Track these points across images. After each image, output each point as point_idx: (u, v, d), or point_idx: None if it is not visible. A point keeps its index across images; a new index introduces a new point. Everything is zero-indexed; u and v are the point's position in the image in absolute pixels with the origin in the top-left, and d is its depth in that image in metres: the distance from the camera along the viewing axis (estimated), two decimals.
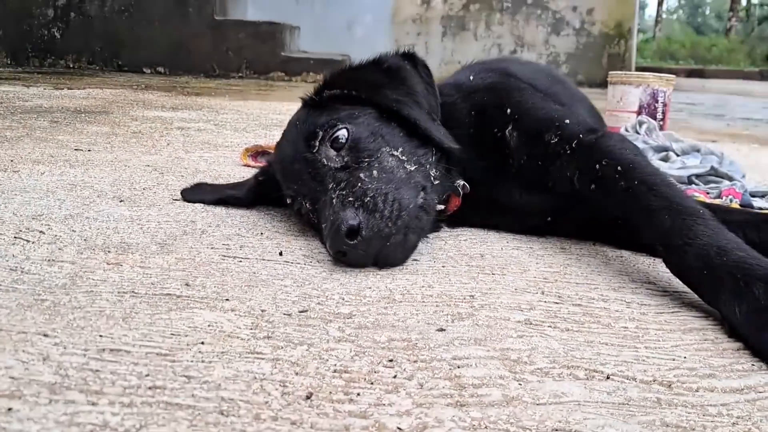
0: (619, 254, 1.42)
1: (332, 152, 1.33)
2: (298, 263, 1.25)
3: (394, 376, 0.84)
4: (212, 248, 1.30)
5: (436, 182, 1.38)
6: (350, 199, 1.20)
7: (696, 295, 1.13)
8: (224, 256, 1.26)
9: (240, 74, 7.82)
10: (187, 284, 1.11)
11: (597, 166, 1.30)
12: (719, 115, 6.11)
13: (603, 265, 1.34)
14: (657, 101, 3.29)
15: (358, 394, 0.79)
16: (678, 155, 2.64)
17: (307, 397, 0.78)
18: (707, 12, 51.60)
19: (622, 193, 1.25)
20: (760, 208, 1.88)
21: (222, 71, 7.78)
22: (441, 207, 1.41)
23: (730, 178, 2.09)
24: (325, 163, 1.32)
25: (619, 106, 3.34)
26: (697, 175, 2.13)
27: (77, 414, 0.71)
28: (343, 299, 1.08)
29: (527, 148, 1.42)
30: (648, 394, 0.83)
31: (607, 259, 1.38)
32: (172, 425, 0.70)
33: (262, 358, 0.86)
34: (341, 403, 0.77)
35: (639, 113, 3.28)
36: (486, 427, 0.74)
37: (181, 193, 1.66)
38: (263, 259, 1.26)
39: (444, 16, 9.48)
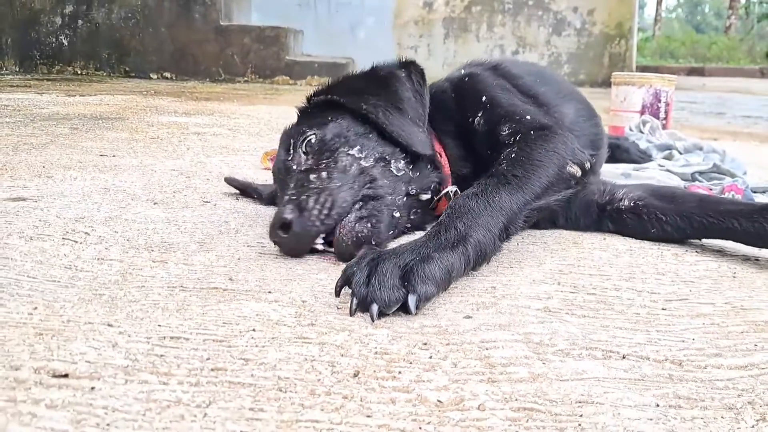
0: (628, 247, 1.50)
1: (302, 157, 1.46)
2: (330, 260, 1.33)
3: (430, 357, 0.92)
4: (248, 246, 1.39)
5: (400, 173, 1.46)
6: (293, 197, 1.32)
7: (703, 285, 1.21)
8: (260, 253, 1.35)
9: (245, 79, 7.92)
10: (230, 279, 1.19)
11: None
12: (720, 114, 6.20)
13: (614, 257, 1.43)
14: (659, 101, 3.37)
15: (400, 372, 0.88)
16: (681, 153, 2.72)
17: (355, 375, 0.86)
18: (706, 10, 51.66)
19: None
20: None
21: (228, 76, 7.88)
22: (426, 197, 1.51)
23: (732, 175, 2.18)
24: (295, 168, 1.45)
25: (623, 106, 3.43)
26: (701, 173, 2.21)
27: (152, 392, 0.80)
28: None
29: (487, 137, 1.53)
30: (661, 371, 0.91)
31: (617, 252, 1.47)
32: (237, 401, 0.79)
33: (310, 342, 0.95)
34: (385, 380, 0.85)
35: (642, 113, 3.37)
36: (516, 400, 0.82)
37: (225, 179, 1.86)
38: (297, 257, 1.35)
39: (446, 18, 9.57)
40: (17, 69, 7.82)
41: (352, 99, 1.54)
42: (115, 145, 2.65)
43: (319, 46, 9.31)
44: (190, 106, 4.59)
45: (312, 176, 1.37)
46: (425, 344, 0.97)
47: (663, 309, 1.14)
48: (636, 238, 1.56)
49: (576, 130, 1.67)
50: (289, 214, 1.28)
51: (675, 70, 15.76)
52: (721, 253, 1.49)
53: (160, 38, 7.82)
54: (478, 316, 1.08)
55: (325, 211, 1.31)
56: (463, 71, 1.75)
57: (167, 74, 7.88)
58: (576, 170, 1.44)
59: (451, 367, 0.90)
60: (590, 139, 1.74)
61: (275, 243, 1.33)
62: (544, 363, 0.92)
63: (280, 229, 1.28)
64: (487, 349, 0.96)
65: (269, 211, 1.69)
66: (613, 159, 2.51)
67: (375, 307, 1.02)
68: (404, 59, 1.68)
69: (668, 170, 2.26)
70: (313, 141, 1.46)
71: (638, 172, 2.16)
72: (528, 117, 1.52)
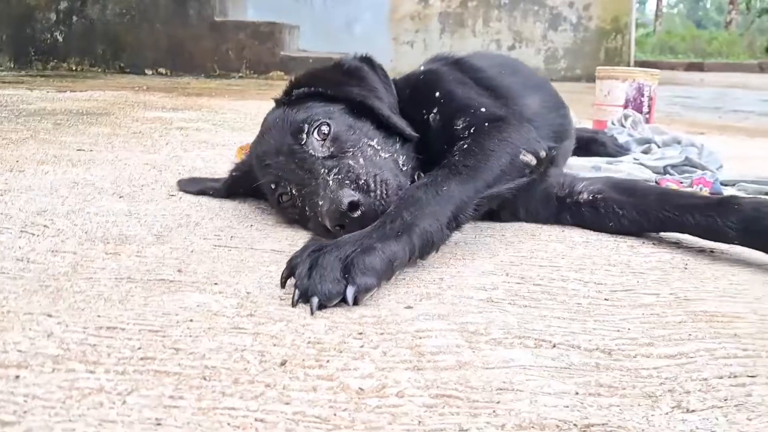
0: (585, 239, 1.51)
1: (317, 144, 1.44)
2: (284, 251, 1.34)
3: (362, 346, 0.94)
4: (205, 239, 1.40)
5: (404, 168, 1.48)
6: (346, 181, 1.31)
7: (651, 276, 1.22)
8: (215, 245, 1.37)
9: (240, 74, 7.92)
10: (179, 270, 1.21)
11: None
12: (714, 108, 6.18)
13: (569, 249, 1.44)
14: (643, 95, 3.37)
15: (328, 361, 0.89)
16: (659, 147, 2.73)
17: (282, 364, 0.87)
18: (708, 5, 51.51)
19: None
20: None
21: (222, 71, 7.88)
22: None
23: (704, 168, 2.18)
24: (312, 153, 1.43)
25: (607, 100, 3.43)
26: (673, 166, 2.22)
27: (77, 380, 0.81)
28: None
29: (442, 132, 1.54)
30: (589, 359, 0.93)
31: (573, 243, 1.48)
32: (159, 389, 0.80)
33: (245, 333, 0.96)
34: (311, 369, 0.87)
35: (625, 107, 3.36)
36: (438, 387, 0.83)
37: (178, 182, 1.82)
38: (251, 248, 1.36)
39: (442, 13, 9.57)
40: (12, 65, 7.83)
41: (339, 90, 1.56)
42: (95, 140, 2.67)
43: (315, 42, 9.30)
44: (180, 101, 4.60)
45: (350, 162, 1.37)
46: (360, 334, 0.98)
47: (606, 299, 1.15)
48: (595, 231, 1.57)
49: (537, 121, 1.67)
50: (352, 196, 1.26)
51: (674, 65, 15.74)
52: (677, 244, 1.50)
53: (155, 34, 7.83)
54: (419, 306, 1.09)
55: (385, 193, 1.31)
56: (422, 67, 1.76)
57: (162, 70, 7.88)
58: (530, 159, 1.44)
59: (381, 356, 0.91)
60: (553, 130, 1.74)
61: (334, 228, 1.28)
62: (473, 351, 0.93)
63: (349, 209, 1.25)
64: (420, 338, 0.97)
65: (232, 204, 1.70)
66: (589, 152, 2.51)
67: (315, 300, 1.03)
68: (362, 54, 1.69)
69: (641, 164, 2.26)
70: (326, 130, 1.45)
71: (610, 166, 2.17)
72: (483, 109, 1.53)
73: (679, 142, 2.75)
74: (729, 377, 0.89)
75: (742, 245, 1.37)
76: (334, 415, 0.76)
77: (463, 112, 1.54)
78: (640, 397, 0.83)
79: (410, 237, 1.17)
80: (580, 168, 2.11)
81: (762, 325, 1.06)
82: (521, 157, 1.43)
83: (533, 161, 1.45)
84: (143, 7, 7.78)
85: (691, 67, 15.33)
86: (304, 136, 1.45)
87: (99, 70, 7.90)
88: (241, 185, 1.69)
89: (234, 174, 1.71)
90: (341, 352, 0.92)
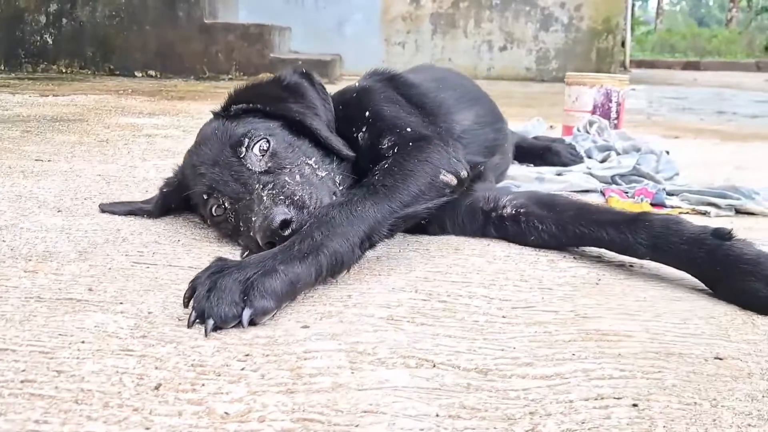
0: (507, 253, 1.53)
1: (256, 159, 1.46)
2: (201, 268, 1.37)
3: (242, 369, 0.96)
4: (126, 255, 1.43)
5: (341, 187, 1.51)
6: (281, 197, 1.33)
7: (559, 292, 1.25)
8: (135, 262, 1.39)
9: (230, 76, 7.95)
10: (90, 289, 1.23)
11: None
12: (699, 110, 6.18)
13: (487, 264, 1.46)
14: (611, 101, 3.39)
15: (203, 385, 0.91)
16: (619, 154, 2.75)
17: (156, 388, 0.90)
18: (710, 3, 51.36)
19: None
20: (672, 206, 1.99)
21: (212, 74, 7.91)
22: None
23: (652, 178, 2.20)
24: (250, 167, 1.45)
25: (575, 106, 3.45)
26: (621, 175, 2.24)
27: None
28: None
29: (369, 152, 1.56)
30: (461, 380, 0.95)
31: (494, 258, 1.50)
32: (27, 413, 0.83)
33: (131, 355, 0.99)
34: (184, 393, 0.89)
35: (593, 112, 3.38)
36: (303, 410, 0.86)
37: (99, 205, 1.78)
38: (170, 265, 1.38)
39: (433, 14, 9.59)
40: (2, 67, 7.87)
41: (277, 106, 1.58)
42: (58, 149, 2.69)
43: (306, 43, 9.35)
44: (160, 105, 4.63)
45: (285, 178, 1.40)
46: (246, 356, 1.00)
47: (503, 317, 1.17)
48: (519, 244, 1.59)
49: (466, 138, 1.70)
50: (285, 214, 1.28)
51: (671, 64, 15.73)
52: (598, 259, 1.52)
53: (144, 36, 7.86)
54: (316, 326, 1.11)
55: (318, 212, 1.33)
56: (357, 84, 1.78)
57: (152, 72, 7.91)
58: (450, 179, 1.47)
59: (258, 379, 0.93)
60: (485, 145, 1.77)
61: (267, 245, 1.29)
62: (353, 372, 0.96)
63: (281, 227, 1.27)
64: (305, 359, 1.00)
65: (166, 220, 1.72)
66: (545, 161, 2.53)
67: (210, 323, 1.06)
68: (302, 70, 1.71)
69: (591, 173, 2.28)
70: (265, 146, 1.48)
71: (554, 176, 2.19)
72: (408, 129, 1.55)
73: (638, 150, 2.78)
74: (595, 399, 0.91)
75: (654, 261, 1.40)
76: None
77: (389, 131, 1.56)
78: (498, 419, 0.85)
79: (317, 258, 1.20)
80: (524, 178, 2.13)
81: (649, 345, 1.08)
82: (441, 177, 1.45)
83: (453, 181, 1.48)
84: (132, 9, 7.81)
85: (688, 66, 15.32)
86: (243, 149, 1.47)
87: (89, 72, 7.93)
88: (172, 200, 1.70)
89: (164, 190, 1.71)
90: (219, 375, 0.94)
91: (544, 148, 2.56)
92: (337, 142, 1.56)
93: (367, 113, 1.62)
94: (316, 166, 1.49)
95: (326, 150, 1.55)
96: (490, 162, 1.76)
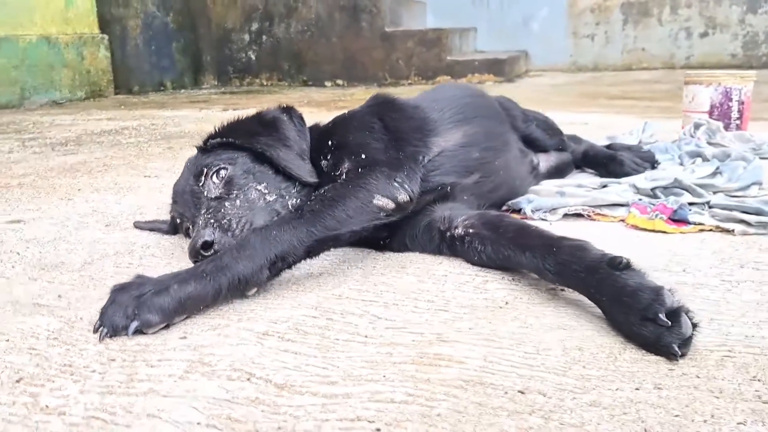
0: (447, 272, 1.57)
1: (212, 186, 1.67)
2: None
3: (93, 371, 1.16)
4: (118, 267, 1.71)
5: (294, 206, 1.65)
6: (212, 220, 1.54)
7: (451, 315, 1.30)
8: (118, 273, 1.66)
9: (409, 81, 8.26)
10: (59, 296, 1.52)
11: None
12: None
13: (417, 283, 1.51)
14: (730, 100, 3.12)
15: (52, 381, 1.13)
16: (708, 160, 2.56)
17: (18, 381, 1.14)
18: None
19: None
20: (695, 223, 1.86)
21: (393, 80, 8.28)
22: None
23: (695, 192, 2.05)
24: (205, 194, 1.66)
25: (691, 106, 3.22)
26: (664, 188, 2.11)
27: None
28: None
29: (329, 178, 1.67)
30: (255, 393, 1.07)
31: (430, 277, 1.55)
32: None
33: (30, 353, 1.24)
34: (33, 386, 1.12)
35: (711, 113, 3.14)
36: (100, 410, 1.04)
37: (134, 223, 2.09)
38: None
39: (624, 3, 9.10)
40: (215, 83, 8.92)
41: (248, 140, 1.77)
42: (178, 164, 3.11)
43: (492, 42, 9.42)
44: (324, 115, 5.01)
45: (227, 204, 1.60)
46: (111, 360, 1.20)
47: (366, 336, 1.25)
48: (470, 264, 1.62)
49: (440, 160, 1.75)
50: (209, 236, 1.48)
51: None
52: (536, 281, 1.50)
53: (331, 48, 8.44)
54: (193, 337, 1.28)
55: (246, 233, 1.52)
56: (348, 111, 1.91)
57: (339, 81, 8.48)
58: (384, 203, 1.55)
59: (97, 380, 1.13)
60: (463, 164, 1.79)
61: (194, 262, 1.46)
62: (176, 381, 1.12)
63: (202, 248, 1.46)
64: (150, 366, 1.18)
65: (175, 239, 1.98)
66: (606, 171, 2.44)
67: (104, 330, 1.28)
68: (284, 105, 1.88)
69: (635, 185, 2.17)
70: (223, 173, 1.68)
71: (575, 189, 2.11)
72: (363, 156, 1.65)
73: (728, 156, 2.56)
74: (350, 420, 0.99)
75: (562, 286, 1.37)
76: None
77: (347, 157, 1.68)
78: None
79: (217, 279, 1.36)
80: (546, 192, 2.10)
81: (467, 372, 1.10)
82: (374, 201, 1.54)
83: (389, 205, 1.56)
84: (321, 23, 8.42)
85: None
86: (203, 178, 1.68)
87: (285, 84, 8.70)
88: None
89: (172, 215, 1.92)
90: (72, 374, 1.15)
91: (608, 157, 2.46)
92: (299, 169, 1.70)
93: (332, 141, 1.75)
94: (266, 192, 1.64)
95: (290, 177, 1.70)
96: (464, 182, 1.79)
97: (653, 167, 2.50)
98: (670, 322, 1.13)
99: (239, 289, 1.40)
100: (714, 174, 2.36)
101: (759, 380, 1.06)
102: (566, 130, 3.79)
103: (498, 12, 9.57)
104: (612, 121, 4.14)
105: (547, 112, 4.94)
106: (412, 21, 9.02)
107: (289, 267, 1.47)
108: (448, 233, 1.64)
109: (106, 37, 7.37)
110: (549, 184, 2.17)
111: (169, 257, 1.78)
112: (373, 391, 1.06)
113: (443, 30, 8.24)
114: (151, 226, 2.03)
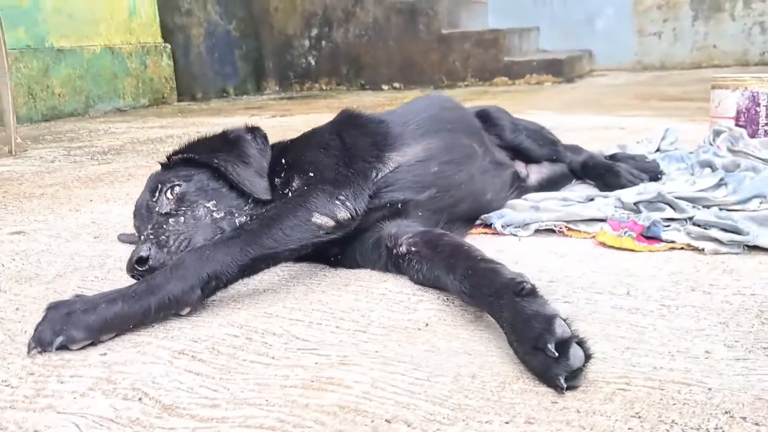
0: (385, 291, 1.57)
1: (165, 202, 1.72)
2: None
3: (8, 385, 1.23)
4: (84, 280, 1.79)
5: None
6: (152, 236, 1.59)
7: (364, 337, 1.31)
8: (81, 287, 1.74)
9: (466, 83, 8.22)
10: (17, 309, 1.61)
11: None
12: None
13: (351, 302, 1.52)
14: (758, 105, 2.97)
15: None
16: (717, 169, 2.46)
17: None
18: None
19: None
20: (667, 241, 1.79)
21: (449, 82, 8.25)
22: None
23: (675, 207, 1.96)
24: (157, 209, 1.71)
25: (717, 111, 3.09)
26: (650, 201, 2.03)
27: None
28: None
29: (281, 195, 1.70)
30: (138, 413, 1.11)
31: (366, 296, 1.55)
32: None
33: None
34: None
35: (737, 119, 3.00)
36: None
37: (118, 236, 2.15)
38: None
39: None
40: (277, 88, 9.11)
41: (207, 156, 1.82)
42: None
43: (555, 41, 9.24)
44: None
45: (171, 220, 1.66)
46: (30, 374, 1.27)
47: (273, 357, 1.28)
48: (414, 283, 1.61)
49: (396, 175, 1.76)
50: (145, 251, 1.55)
51: None
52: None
53: (389, 51, 8.48)
54: (111, 354, 1.33)
55: (183, 249, 1.60)
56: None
57: (396, 84, 8.51)
58: (324, 221, 1.57)
59: (6, 394, 1.20)
60: (419, 179, 1.79)
61: (132, 277, 1.56)
62: (75, 398, 1.18)
63: (137, 263, 1.56)
64: (60, 381, 1.23)
65: None
66: (603, 182, 2.37)
67: (31, 344, 1.34)
68: (249, 125, 1.92)
69: (620, 198, 2.10)
70: (177, 190, 1.74)
71: (550, 205, 2.05)
72: (311, 174, 1.68)
73: (738, 165, 2.44)
74: None
75: (480, 310, 1.36)
76: None
77: (298, 175, 1.71)
78: None
79: (146, 299, 1.40)
80: (521, 207, 2.05)
81: (348, 398, 1.11)
82: (313, 219, 1.56)
83: (329, 223, 1.57)
84: (378, 27, 8.48)
85: None
86: (157, 194, 1.74)
87: (344, 88, 8.80)
88: None
89: None
90: None
91: (605, 168, 2.39)
92: (252, 186, 1.73)
93: (285, 159, 1.78)
94: (214, 209, 1.68)
95: (243, 194, 1.74)
96: (418, 198, 1.78)
97: (657, 178, 2.41)
98: (557, 354, 1.10)
99: (170, 308, 1.44)
100: (718, 185, 2.26)
101: (639, 417, 1.02)
102: (600, 135, 3.72)
103: (561, 11, 9.37)
104: (652, 125, 4.00)
105: (585, 114, 4.88)
106: (471, 22, 8.96)
107: (225, 286, 1.50)
108: (394, 251, 1.64)
109: (168, 45, 7.66)
110: (531, 198, 2.13)
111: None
112: (248, 415, 1.08)
113: (501, 31, 8.15)
114: (132, 239, 2.09)
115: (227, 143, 1.86)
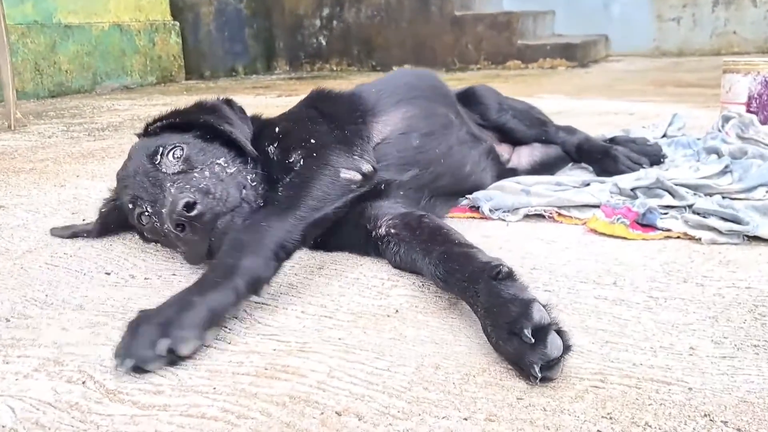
0: (358, 277, 1.50)
1: (170, 163, 1.56)
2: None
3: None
4: (52, 256, 1.73)
5: (254, 184, 1.56)
6: (186, 186, 1.43)
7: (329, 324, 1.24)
8: (49, 263, 1.68)
9: (478, 66, 8.08)
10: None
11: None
12: None
13: (323, 286, 1.45)
14: None
15: None
16: (723, 156, 2.36)
17: None
18: None
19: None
20: (663, 229, 1.70)
21: (462, 65, 8.12)
22: None
23: (674, 194, 1.87)
24: (165, 171, 1.55)
25: (728, 97, 2.97)
26: (648, 188, 1.93)
27: None
28: None
29: (279, 165, 1.60)
30: (78, 398, 1.04)
31: (339, 280, 1.48)
32: None
33: None
34: None
35: (749, 105, 2.88)
36: None
37: (51, 230, 1.93)
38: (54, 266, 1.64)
39: None
40: (287, 68, 9.02)
41: (194, 116, 1.71)
42: None
43: (571, 26, 9.06)
44: None
45: (195, 174, 1.52)
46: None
47: (229, 342, 1.21)
48: (391, 266, 1.54)
49: (383, 150, 1.69)
50: (190, 197, 1.36)
51: None
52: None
53: (401, 33, 8.35)
54: (67, 335, 1.28)
55: (225, 198, 1.44)
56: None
57: (408, 66, 8.39)
58: (352, 175, 1.51)
59: None
60: (401, 156, 1.72)
61: (179, 228, 1.37)
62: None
63: (185, 209, 1.34)
64: (6, 363, 1.17)
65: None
66: (600, 167, 2.27)
67: (128, 362, 1.10)
68: (224, 98, 1.83)
69: (616, 184, 2.00)
70: (179, 153, 1.58)
71: (543, 190, 1.95)
72: (312, 141, 1.59)
73: (746, 153, 2.33)
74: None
75: (453, 295, 1.28)
76: None
77: (296, 146, 1.61)
78: None
79: (233, 280, 1.24)
80: (511, 189, 1.96)
81: (300, 387, 1.04)
82: (342, 175, 1.51)
83: (356, 177, 1.53)
84: (390, 8, 8.35)
85: None
86: (159, 157, 1.56)
87: (355, 69, 8.69)
88: (111, 220, 1.83)
89: (102, 210, 1.85)
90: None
91: (602, 151, 2.28)
92: (243, 140, 1.63)
93: (276, 129, 1.69)
94: (226, 165, 1.56)
95: (239, 153, 1.63)
96: (400, 178, 1.69)
97: (658, 162, 2.31)
98: (533, 340, 1.02)
99: (255, 287, 1.29)
100: (723, 173, 2.16)
101: (610, 418, 0.94)
102: (608, 121, 3.60)
103: None
104: (662, 110, 3.87)
105: (597, 99, 4.75)
106: (484, 4, 8.80)
107: (288, 257, 1.38)
108: (373, 233, 1.56)
109: (177, 24, 7.58)
110: (522, 181, 2.03)
111: (105, 250, 1.78)
112: (192, 404, 1.02)
113: (514, 13, 7.99)
114: (72, 231, 1.91)
115: (205, 110, 1.76)
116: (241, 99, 5.63)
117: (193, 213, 1.36)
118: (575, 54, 7.65)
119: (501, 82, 6.29)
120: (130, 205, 1.62)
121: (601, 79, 6.24)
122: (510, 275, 1.15)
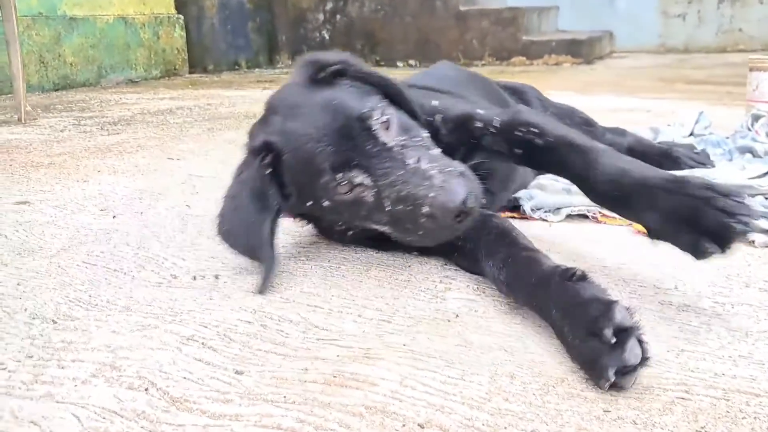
0: (397, 275, 1.46)
1: (383, 133, 1.37)
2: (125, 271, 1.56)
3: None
4: (89, 255, 1.68)
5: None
6: (448, 169, 1.31)
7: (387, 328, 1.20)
8: (85, 262, 1.63)
9: (483, 62, 8.04)
10: (18, 284, 1.50)
11: (519, 133, 1.45)
12: None
13: (356, 283, 1.42)
14: None
15: None
16: (758, 156, 2.33)
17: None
18: None
19: (541, 150, 1.43)
20: None
21: (466, 60, 8.07)
22: None
23: None
24: (385, 141, 1.37)
25: (755, 95, 2.94)
26: None
27: None
28: None
29: (454, 135, 1.55)
30: (144, 406, 1.00)
31: (374, 279, 1.44)
32: None
33: None
34: None
35: None
36: None
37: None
38: (106, 267, 1.60)
39: None
40: (290, 62, 8.95)
41: (374, 74, 1.54)
42: (203, 146, 3.10)
43: (576, 22, 9.03)
44: None
45: (431, 152, 1.38)
46: (30, 356, 1.17)
47: (289, 347, 1.17)
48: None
49: None
50: (470, 189, 1.29)
51: None
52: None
53: (405, 28, 8.31)
54: (119, 338, 1.24)
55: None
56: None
57: (412, 62, 8.34)
58: None
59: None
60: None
61: (463, 214, 1.28)
62: (77, 386, 1.07)
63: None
64: (61, 368, 1.13)
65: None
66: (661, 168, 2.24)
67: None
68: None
69: None
70: (393, 120, 1.40)
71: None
72: (479, 111, 1.59)
73: None
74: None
75: (516, 300, 1.25)
76: None
77: (466, 117, 1.56)
78: None
79: None
80: (552, 188, 1.93)
81: (374, 397, 1.00)
82: None
83: None
84: (394, 2, 8.30)
85: None
86: (372, 122, 1.37)
87: None
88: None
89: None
90: None
91: (661, 153, 2.23)
92: (420, 110, 1.53)
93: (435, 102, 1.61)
94: (429, 143, 1.44)
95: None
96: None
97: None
98: (614, 339, 0.98)
99: None
100: (766, 174, 2.13)
101: None
102: (626, 118, 3.56)
103: None
104: (677, 108, 3.85)
105: (606, 96, 4.72)
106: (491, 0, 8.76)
107: None
108: None
109: (181, 17, 7.51)
110: (561, 179, 1.99)
111: (142, 248, 1.73)
112: (265, 413, 0.98)
113: (519, 9, 7.96)
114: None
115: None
116: (248, 93, 5.62)
117: (473, 206, 1.27)
118: (580, 50, 7.63)
119: (506, 78, 6.21)
120: (331, 171, 1.38)
121: (608, 76, 6.21)
122: (584, 277, 1.12)
